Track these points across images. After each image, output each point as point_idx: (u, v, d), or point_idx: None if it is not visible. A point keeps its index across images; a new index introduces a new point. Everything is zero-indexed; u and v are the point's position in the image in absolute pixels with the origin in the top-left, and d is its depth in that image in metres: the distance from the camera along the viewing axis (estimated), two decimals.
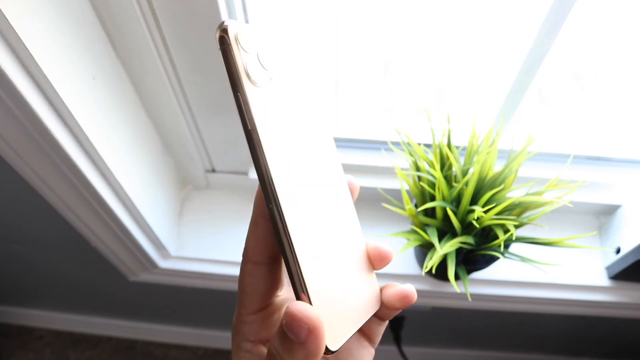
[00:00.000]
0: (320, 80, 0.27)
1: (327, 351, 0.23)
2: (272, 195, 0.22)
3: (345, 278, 0.26)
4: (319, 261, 0.24)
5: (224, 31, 0.21)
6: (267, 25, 0.24)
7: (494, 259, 0.60)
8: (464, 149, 0.64)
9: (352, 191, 0.28)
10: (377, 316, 0.28)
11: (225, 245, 0.72)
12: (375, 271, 0.28)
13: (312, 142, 0.26)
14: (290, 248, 0.22)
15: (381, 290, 0.28)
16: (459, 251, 0.58)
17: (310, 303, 0.22)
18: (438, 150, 0.57)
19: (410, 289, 0.27)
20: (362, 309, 0.26)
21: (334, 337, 0.24)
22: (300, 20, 0.26)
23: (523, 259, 0.55)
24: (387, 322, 0.29)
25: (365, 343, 0.29)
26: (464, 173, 0.57)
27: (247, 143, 0.23)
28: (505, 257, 0.54)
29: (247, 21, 0.53)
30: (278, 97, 0.24)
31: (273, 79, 0.24)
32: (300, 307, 0.20)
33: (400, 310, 0.28)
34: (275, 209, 0.22)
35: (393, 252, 0.28)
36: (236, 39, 0.22)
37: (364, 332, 0.29)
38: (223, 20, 0.23)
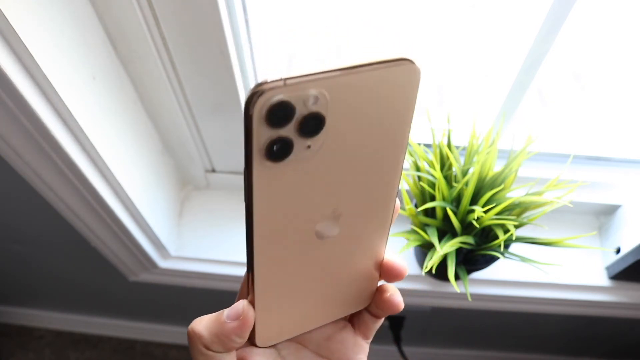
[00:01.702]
0: (402, 136, 0.22)
1: (255, 345, 0.27)
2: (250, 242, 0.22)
3: (313, 289, 0.27)
4: (279, 279, 0.25)
5: (247, 103, 0.18)
6: (333, 77, 0.18)
7: (494, 259, 0.60)
8: (464, 149, 0.64)
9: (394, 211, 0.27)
10: (372, 313, 0.29)
11: (225, 245, 0.72)
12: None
13: (341, 201, 0.23)
14: (252, 269, 0.24)
15: (377, 292, 0.29)
16: (459, 251, 0.58)
17: (254, 304, 0.25)
18: (438, 150, 0.57)
19: (395, 300, 0.27)
20: (329, 311, 0.28)
21: (269, 336, 0.27)
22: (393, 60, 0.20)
23: (523, 259, 0.55)
24: (381, 319, 0.30)
25: (359, 338, 0.30)
26: (464, 173, 0.57)
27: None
28: (505, 257, 0.54)
29: (247, 20, 0.52)
30: (313, 164, 0.20)
31: (314, 146, 0.20)
32: (248, 307, 0.25)
33: (389, 313, 0.29)
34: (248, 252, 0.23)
35: (406, 269, 0.27)
36: (265, 114, 0.18)
37: (357, 327, 0.30)
38: (259, 82, 0.17)
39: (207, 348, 0.25)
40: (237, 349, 0.27)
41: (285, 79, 0.17)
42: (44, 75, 0.38)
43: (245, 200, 0.21)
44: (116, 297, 1.03)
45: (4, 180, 0.59)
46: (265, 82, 0.17)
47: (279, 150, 0.19)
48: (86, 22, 0.44)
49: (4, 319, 1.25)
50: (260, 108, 0.17)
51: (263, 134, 0.18)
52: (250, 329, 0.25)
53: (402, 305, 0.27)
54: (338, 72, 0.18)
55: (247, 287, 0.25)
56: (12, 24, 0.34)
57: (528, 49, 0.55)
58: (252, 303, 0.25)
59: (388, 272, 0.27)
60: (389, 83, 0.20)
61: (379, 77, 0.19)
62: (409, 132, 0.22)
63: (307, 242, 0.24)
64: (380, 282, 0.29)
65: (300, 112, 0.18)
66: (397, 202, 0.26)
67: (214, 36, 0.47)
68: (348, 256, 0.26)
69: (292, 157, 0.20)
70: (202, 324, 0.25)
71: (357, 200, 0.24)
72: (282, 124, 0.18)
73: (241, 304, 0.24)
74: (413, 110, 0.21)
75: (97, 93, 0.47)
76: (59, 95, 0.40)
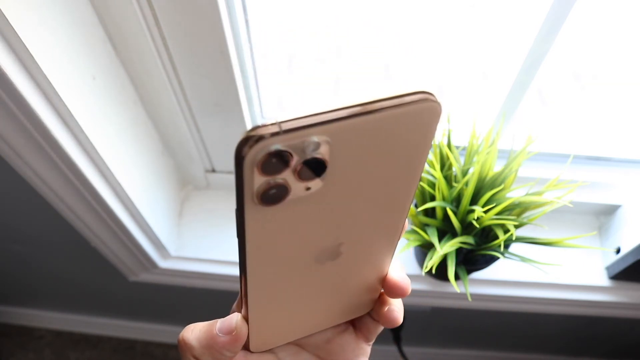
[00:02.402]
0: (413, 175, 0.20)
1: (248, 350, 0.27)
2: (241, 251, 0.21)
3: (312, 299, 0.26)
4: (274, 295, 0.24)
5: (239, 151, 0.16)
6: (338, 121, 0.16)
7: (494, 259, 0.60)
8: (464, 149, 0.64)
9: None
10: (373, 317, 0.29)
11: (225, 245, 0.72)
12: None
13: (344, 234, 0.22)
14: (245, 282, 0.22)
15: (378, 299, 0.28)
16: (459, 251, 0.58)
17: (247, 318, 0.24)
18: (438, 150, 0.57)
19: (392, 315, 0.27)
20: (328, 318, 0.27)
21: (263, 342, 0.27)
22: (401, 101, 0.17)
23: (523, 259, 0.55)
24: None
25: (360, 341, 0.29)
26: (464, 173, 0.57)
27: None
28: (505, 257, 0.54)
29: (247, 20, 0.52)
30: (313, 204, 0.19)
31: (314, 187, 0.18)
32: (241, 321, 0.24)
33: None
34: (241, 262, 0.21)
35: (409, 288, 0.26)
36: (258, 163, 0.16)
37: (359, 330, 0.29)
38: (252, 127, 0.16)
39: (197, 359, 0.24)
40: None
41: (281, 123, 0.16)
42: (44, 75, 0.38)
43: (237, 236, 0.19)
44: (116, 297, 1.03)
45: (4, 180, 0.59)
46: (259, 127, 0.16)
47: (273, 196, 0.17)
48: (86, 22, 0.44)
49: (4, 319, 1.25)
50: (253, 157, 0.16)
51: (256, 181, 0.17)
52: (242, 343, 0.24)
53: (399, 321, 0.27)
54: (344, 113, 0.16)
55: (240, 298, 0.24)
56: (12, 24, 0.34)
57: (528, 49, 0.55)
58: (245, 318, 0.24)
59: (391, 290, 0.26)
60: (405, 122, 0.17)
61: (392, 118, 0.17)
62: (422, 169, 0.20)
63: (305, 268, 0.23)
64: None
65: (298, 159, 0.17)
66: (406, 222, 0.24)
67: (214, 36, 0.47)
68: (349, 274, 0.25)
69: (288, 200, 0.18)
70: (194, 335, 0.24)
71: (363, 234, 0.22)
72: (277, 172, 0.17)
73: (234, 318, 0.24)
74: (429, 147, 0.19)
75: (97, 93, 0.47)
76: (59, 95, 0.40)
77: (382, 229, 0.23)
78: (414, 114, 0.17)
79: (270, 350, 0.28)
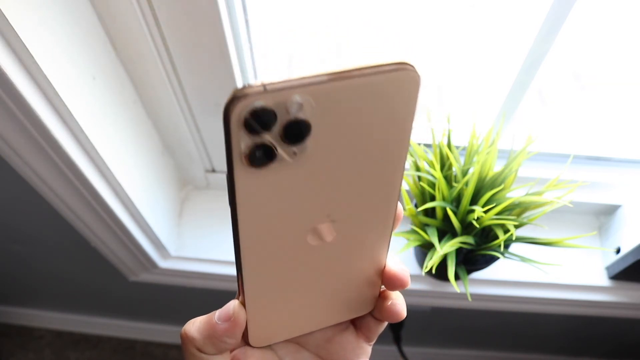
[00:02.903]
0: (400, 146, 0.21)
1: (249, 345, 0.27)
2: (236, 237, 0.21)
3: (310, 292, 0.26)
4: (270, 281, 0.24)
5: (226, 109, 0.17)
6: (320, 83, 0.17)
7: (494, 259, 0.60)
8: (464, 149, 0.64)
9: (395, 222, 0.26)
10: (374, 317, 0.28)
11: (225, 245, 0.72)
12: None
13: (336, 208, 0.22)
14: (240, 269, 0.23)
15: (380, 299, 0.28)
16: (459, 251, 0.58)
17: (245, 304, 0.25)
18: (438, 150, 0.57)
19: (395, 309, 0.27)
20: (328, 315, 0.27)
21: (263, 337, 0.27)
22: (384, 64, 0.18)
23: (523, 259, 0.55)
24: (385, 322, 0.29)
25: (361, 341, 0.29)
26: (464, 173, 0.57)
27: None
28: (505, 257, 0.54)
29: (247, 20, 0.52)
30: (302, 170, 0.19)
31: (300, 152, 0.19)
32: (238, 307, 0.24)
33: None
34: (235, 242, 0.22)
35: (408, 279, 0.26)
36: (243, 120, 0.17)
37: (360, 329, 0.29)
38: (237, 88, 0.17)
39: (200, 350, 0.24)
40: (231, 351, 0.27)
41: (267, 84, 0.16)
42: (44, 75, 0.38)
43: (229, 205, 0.20)
44: (116, 297, 1.03)
45: (4, 180, 0.59)
46: (245, 87, 0.16)
47: (260, 157, 0.18)
48: (86, 22, 0.44)
49: (4, 319, 1.25)
50: (238, 114, 0.17)
51: (243, 140, 0.17)
52: (242, 330, 0.24)
53: (403, 314, 0.27)
54: (325, 78, 0.17)
55: (238, 287, 0.24)
56: (12, 24, 0.34)
57: (528, 49, 0.55)
58: (243, 303, 0.24)
59: (390, 281, 0.26)
60: (385, 90, 0.18)
61: (373, 84, 0.18)
62: (408, 142, 0.21)
63: (298, 248, 0.23)
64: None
65: (282, 119, 0.17)
66: (400, 208, 0.25)
67: (214, 36, 0.47)
68: (345, 262, 0.25)
69: (276, 163, 0.19)
70: (194, 327, 0.25)
71: (353, 209, 0.22)
72: (262, 131, 0.17)
73: (232, 305, 0.24)
74: (412, 118, 0.20)
75: (97, 93, 0.47)
76: (59, 95, 0.40)
77: (374, 210, 0.23)
78: (392, 82, 0.18)
79: (270, 348, 0.28)
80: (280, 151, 0.18)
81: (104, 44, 0.47)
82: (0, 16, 0.33)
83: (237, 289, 0.25)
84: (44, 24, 0.38)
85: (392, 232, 0.25)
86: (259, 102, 0.17)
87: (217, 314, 0.24)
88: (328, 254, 0.24)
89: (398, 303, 0.27)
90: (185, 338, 0.25)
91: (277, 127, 0.17)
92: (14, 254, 0.85)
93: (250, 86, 0.16)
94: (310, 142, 0.18)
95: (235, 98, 0.16)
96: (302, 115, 0.17)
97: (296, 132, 0.18)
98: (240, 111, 0.17)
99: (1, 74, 0.35)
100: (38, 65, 0.37)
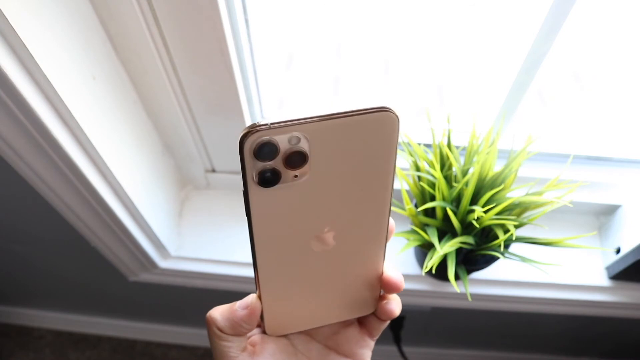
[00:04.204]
0: (386, 175, 0.25)
1: (265, 334, 0.32)
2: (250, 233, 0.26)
3: (317, 291, 0.30)
4: (282, 280, 0.29)
5: (240, 142, 0.22)
6: (313, 123, 0.22)
7: (494, 259, 0.60)
8: (464, 149, 0.64)
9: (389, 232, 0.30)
10: (377, 316, 0.32)
11: (225, 245, 0.72)
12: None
13: (334, 222, 0.27)
14: (255, 260, 0.28)
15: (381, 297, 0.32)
16: (459, 251, 0.58)
17: (260, 298, 0.29)
18: (438, 150, 0.57)
19: (388, 307, 0.31)
20: (335, 312, 0.32)
21: (276, 327, 0.31)
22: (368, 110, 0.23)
23: (523, 259, 0.55)
24: (387, 321, 0.32)
25: (365, 336, 0.33)
26: (464, 173, 0.57)
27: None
28: (505, 257, 0.54)
29: (247, 20, 0.53)
30: (303, 191, 0.24)
31: (301, 175, 0.24)
32: (256, 300, 0.29)
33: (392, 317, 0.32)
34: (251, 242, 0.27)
35: (402, 283, 0.31)
36: (252, 150, 0.22)
37: (364, 326, 0.33)
38: (250, 125, 0.22)
39: (221, 331, 0.29)
40: (247, 336, 0.31)
41: (271, 124, 0.22)
42: (44, 75, 0.38)
43: (246, 216, 0.25)
44: (116, 297, 1.03)
45: (4, 180, 0.59)
46: (255, 125, 0.22)
47: (268, 179, 0.23)
48: (86, 22, 0.44)
49: (4, 319, 1.25)
50: (249, 146, 0.22)
51: (254, 166, 0.23)
52: (257, 319, 0.29)
53: (395, 313, 0.31)
54: (317, 118, 0.22)
55: (255, 284, 0.29)
56: (12, 24, 0.34)
57: (528, 49, 0.55)
58: (259, 297, 0.29)
59: (387, 286, 0.30)
60: (368, 128, 0.23)
61: (357, 123, 0.23)
62: (393, 171, 0.25)
63: (304, 254, 0.28)
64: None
65: (284, 149, 0.23)
66: (392, 223, 0.29)
67: (214, 36, 0.47)
68: (345, 268, 0.30)
69: (281, 184, 0.24)
70: (218, 311, 0.29)
71: (349, 224, 0.27)
72: (269, 159, 0.23)
73: (251, 297, 0.29)
74: (394, 152, 0.24)
75: (97, 93, 0.47)
76: (59, 95, 0.40)
77: (368, 225, 0.28)
78: (374, 121, 0.23)
79: (285, 336, 0.33)
80: (284, 175, 0.24)
81: (104, 44, 0.47)
82: (0, 16, 0.33)
83: (238, 289, 0.30)
84: (44, 24, 0.38)
85: (386, 243, 0.30)
86: (265, 138, 0.22)
87: (237, 303, 0.29)
88: (331, 261, 0.29)
89: (392, 302, 0.31)
90: (209, 320, 0.29)
91: (280, 156, 0.23)
92: (14, 254, 0.85)
93: (259, 124, 0.22)
94: (308, 168, 0.24)
95: (247, 133, 0.22)
96: (299, 147, 0.23)
97: (295, 159, 0.23)
98: (251, 144, 0.22)
99: (1, 74, 0.35)
100: (38, 65, 0.37)
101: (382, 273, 0.31)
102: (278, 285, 0.29)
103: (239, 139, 0.22)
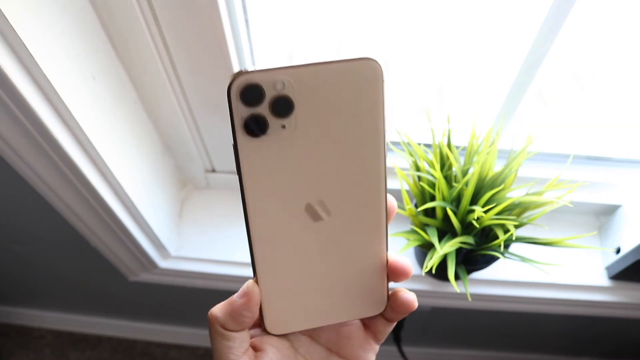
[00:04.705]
0: (376, 128, 0.25)
1: (266, 331, 0.30)
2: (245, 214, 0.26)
3: (318, 280, 0.29)
4: (278, 261, 0.27)
5: (228, 87, 0.23)
6: (297, 68, 0.23)
7: (494, 259, 0.60)
8: (464, 149, 0.64)
9: (389, 212, 0.28)
10: (385, 317, 0.31)
11: (225, 245, 0.72)
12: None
13: (328, 184, 0.26)
14: (251, 244, 0.27)
15: (391, 294, 0.30)
16: (459, 251, 0.58)
17: (258, 284, 0.28)
18: (438, 150, 0.57)
19: (408, 298, 0.29)
20: (340, 310, 0.30)
21: (277, 323, 0.29)
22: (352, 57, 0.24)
23: (523, 259, 0.55)
24: (394, 323, 0.31)
25: (370, 339, 0.31)
26: (464, 173, 0.57)
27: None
28: (505, 257, 0.54)
29: (247, 20, 0.53)
30: (293, 144, 0.24)
31: (289, 126, 0.24)
32: (252, 285, 0.28)
33: (405, 315, 0.30)
34: (245, 217, 0.26)
35: (411, 268, 0.29)
36: (239, 93, 0.22)
37: (369, 328, 0.31)
38: (236, 71, 0.23)
39: (224, 327, 0.28)
40: (250, 335, 0.30)
41: (256, 69, 0.22)
42: (44, 76, 0.38)
43: (237, 173, 0.24)
44: (116, 297, 1.03)
45: (4, 180, 0.59)
46: (242, 71, 0.22)
47: (256, 126, 0.23)
48: (86, 22, 0.44)
49: (4, 319, 1.25)
50: (236, 89, 0.22)
51: (241, 111, 0.23)
52: (257, 304, 0.28)
53: (414, 303, 0.29)
54: (301, 64, 0.23)
55: (253, 270, 0.28)
56: (12, 24, 0.34)
57: (528, 49, 0.55)
58: (256, 282, 0.28)
59: (393, 271, 0.29)
60: (352, 76, 0.23)
61: (340, 70, 0.23)
62: (383, 128, 0.25)
63: (300, 224, 0.26)
64: (391, 289, 0.30)
65: (269, 94, 0.23)
66: (393, 201, 0.28)
67: (214, 36, 0.47)
68: (346, 249, 0.28)
69: (269, 134, 0.24)
70: (218, 308, 0.28)
71: (344, 186, 0.26)
72: (255, 103, 0.23)
73: (246, 284, 0.28)
74: (382, 105, 0.24)
75: (97, 93, 0.47)
76: (59, 96, 0.40)
77: (363, 191, 0.26)
78: (357, 69, 0.23)
79: (286, 338, 0.31)
80: (271, 124, 0.23)
81: (104, 44, 0.47)
82: (0, 16, 0.33)
83: (238, 289, 0.28)
84: (44, 24, 0.38)
85: (388, 224, 0.28)
86: (251, 80, 0.22)
87: (235, 294, 0.28)
88: (329, 238, 0.27)
89: (408, 293, 0.29)
90: (210, 318, 0.28)
91: (266, 101, 0.23)
92: (14, 253, 0.85)
93: (245, 70, 0.22)
94: (295, 118, 0.24)
95: (234, 78, 0.22)
96: (285, 92, 0.23)
97: (282, 106, 0.23)
98: (237, 86, 0.22)
99: (1, 74, 0.35)
100: (38, 65, 0.37)
101: (387, 261, 0.29)
102: (275, 264, 0.28)
103: (226, 86, 0.23)
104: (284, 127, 0.24)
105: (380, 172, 0.26)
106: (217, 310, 0.28)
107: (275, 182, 0.25)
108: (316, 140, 0.24)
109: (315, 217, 0.26)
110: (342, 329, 0.32)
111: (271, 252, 0.27)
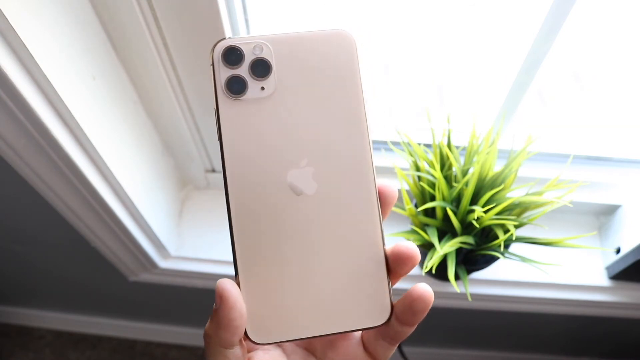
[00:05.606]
0: (355, 97, 0.26)
1: (250, 340, 0.25)
2: (227, 201, 0.26)
3: (307, 286, 0.25)
4: (262, 261, 0.25)
5: (211, 51, 0.25)
6: (275, 35, 0.25)
7: (494, 259, 0.60)
8: (464, 149, 0.64)
9: (386, 198, 0.26)
10: (386, 338, 0.26)
11: (225, 245, 0.72)
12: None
13: (310, 153, 0.25)
14: (232, 240, 0.26)
15: (395, 304, 0.26)
16: (459, 251, 0.58)
17: (239, 287, 0.25)
18: (438, 150, 0.57)
19: (423, 291, 0.24)
20: (333, 317, 0.26)
21: (262, 330, 0.25)
22: (331, 25, 0.26)
23: (523, 259, 0.55)
24: (395, 346, 0.27)
25: (369, 359, 0.27)
26: (464, 173, 0.57)
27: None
28: (505, 257, 0.54)
29: (247, 20, 0.53)
30: (273, 107, 0.25)
31: (268, 88, 0.25)
32: (224, 282, 0.24)
33: (414, 327, 0.25)
34: (227, 208, 0.26)
35: (417, 251, 0.25)
36: (221, 56, 0.25)
37: (370, 352, 0.27)
38: (221, 38, 0.25)
39: (223, 346, 0.24)
40: (245, 338, 0.26)
41: (237, 36, 0.25)
42: (44, 76, 0.38)
43: (218, 139, 0.25)
44: (116, 297, 1.03)
45: (4, 180, 0.59)
46: (224, 38, 0.25)
47: (236, 85, 0.25)
48: (86, 22, 0.44)
49: (4, 319, 1.25)
50: (218, 51, 0.25)
51: (223, 72, 0.25)
52: (237, 299, 0.23)
53: (430, 295, 0.25)
54: (278, 32, 0.25)
55: (235, 268, 0.25)
56: (12, 25, 0.34)
57: (528, 49, 0.55)
58: (238, 284, 0.25)
59: (398, 260, 0.25)
60: (327, 45, 0.25)
61: (315, 38, 0.25)
62: (362, 99, 0.26)
63: (284, 199, 0.25)
64: (395, 287, 0.27)
65: (248, 56, 0.25)
66: (395, 191, 0.26)
67: (214, 36, 0.47)
68: (335, 232, 0.25)
69: (249, 94, 0.25)
70: (208, 325, 0.25)
71: (327, 157, 0.26)
72: (236, 65, 0.25)
73: (216, 284, 0.24)
74: (358, 74, 0.26)
75: (97, 93, 0.47)
76: (59, 96, 0.40)
77: (349, 165, 0.26)
78: (331, 37, 0.25)
79: (282, 353, 0.28)
80: (251, 84, 0.25)
81: (104, 44, 0.47)
82: (0, 16, 0.33)
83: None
84: (44, 24, 0.38)
85: (384, 217, 0.26)
86: (232, 44, 0.25)
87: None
88: (314, 214, 0.25)
89: (422, 284, 0.25)
90: (205, 338, 0.25)
91: (246, 63, 0.25)
92: (14, 254, 0.85)
93: (226, 37, 0.25)
94: (274, 80, 0.25)
95: (216, 43, 0.25)
96: (263, 55, 0.25)
97: (260, 67, 0.25)
98: (219, 49, 0.25)
99: (1, 74, 0.35)
100: (38, 65, 0.37)
101: (385, 258, 0.26)
102: (258, 253, 0.25)
103: (210, 51, 0.25)
104: (263, 88, 0.25)
105: (364, 139, 0.26)
106: (207, 327, 0.25)
107: (254, 143, 0.25)
108: (295, 105, 0.25)
109: (299, 190, 0.25)
110: (341, 344, 0.28)
111: (251, 231, 0.25)
